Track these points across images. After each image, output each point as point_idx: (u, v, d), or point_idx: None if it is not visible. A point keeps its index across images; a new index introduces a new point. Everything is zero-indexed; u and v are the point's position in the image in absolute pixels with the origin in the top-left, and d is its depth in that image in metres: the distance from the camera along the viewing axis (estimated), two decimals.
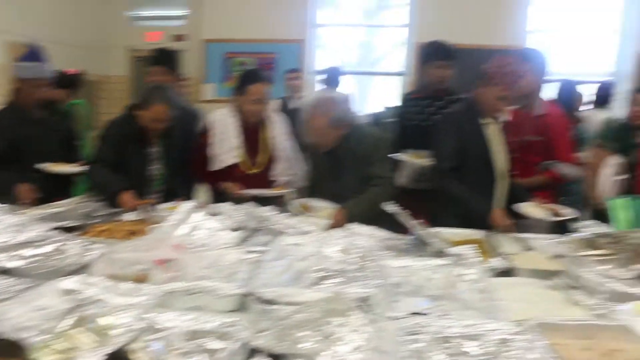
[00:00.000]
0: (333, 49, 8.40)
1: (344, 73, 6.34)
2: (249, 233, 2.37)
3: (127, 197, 2.78)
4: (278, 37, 7.53)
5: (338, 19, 8.33)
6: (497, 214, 2.69)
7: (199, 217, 2.37)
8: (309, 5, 7.64)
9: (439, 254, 2.06)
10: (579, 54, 7.71)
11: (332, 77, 6.10)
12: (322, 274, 1.71)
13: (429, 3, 7.32)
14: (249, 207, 2.53)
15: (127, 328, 1.36)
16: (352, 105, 5.51)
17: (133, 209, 2.73)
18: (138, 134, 3.03)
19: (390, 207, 2.36)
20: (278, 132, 3.24)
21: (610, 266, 1.92)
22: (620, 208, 2.47)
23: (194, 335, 1.37)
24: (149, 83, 3.31)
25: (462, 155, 2.83)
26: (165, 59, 3.61)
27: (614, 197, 2.74)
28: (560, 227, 2.64)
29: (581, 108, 5.38)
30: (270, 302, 1.50)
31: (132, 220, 2.60)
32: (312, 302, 1.37)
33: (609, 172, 3.41)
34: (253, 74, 3.22)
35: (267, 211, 2.49)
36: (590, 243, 2.05)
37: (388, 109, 5.50)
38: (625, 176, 3.39)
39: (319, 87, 5.98)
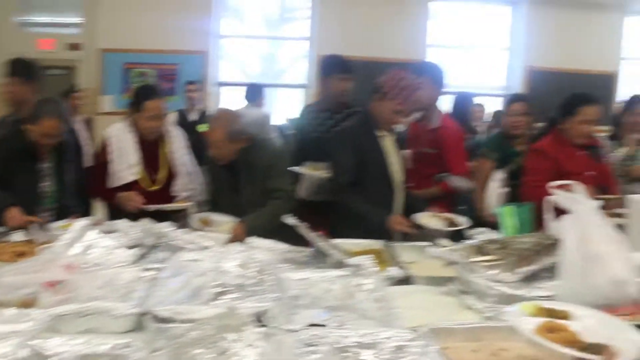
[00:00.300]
0: (236, 61, 8.36)
1: (265, 87, 6.38)
2: (146, 250, 2.31)
3: (13, 214, 2.62)
4: (180, 47, 7.41)
5: (241, 30, 8.31)
6: (395, 219, 2.79)
7: (93, 235, 2.28)
8: (211, 15, 7.57)
9: (338, 265, 2.09)
10: (475, 69, 8.16)
11: (252, 93, 6.14)
12: (220, 289, 1.70)
13: (331, 16, 7.47)
14: (146, 224, 2.46)
15: (8, 358, 1.28)
16: (269, 120, 5.62)
17: (21, 228, 2.58)
18: (27, 149, 2.88)
19: (290, 220, 2.37)
20: (177, 146, 3.19)
21: (498, 271, 2.02)
22: (507, 215, 2.61)
23: (85, 359, 1.31)
24: (2, 95, 3.18)
25: (360, 168, 2.90)
26: (21, 69, 3.45)
27: (502, 205, 2.90)
28: (456, 236, 2.75)
29: (479, 120, 5.68)
30: (166, 320, 1.47)
31: (20, 241, 2.46)
32: (206, 318, 1.35)
33: (495, 185, 3.62)
34: (149, 90, 3.16)
35: (165, 227, 2.44)
36: (480, 249, 2.14)
37: (291, 121, 5.56)
38: (508, 189, 3.60)
39: (241, 102, 6.07)
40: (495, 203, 3.50)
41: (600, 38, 7.79)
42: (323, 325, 1.59)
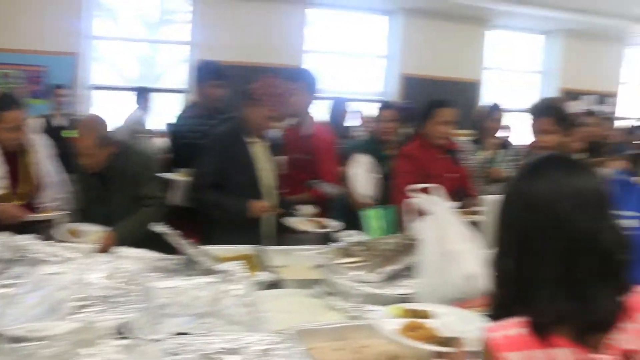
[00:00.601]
0: (112, 63, 8.04)
1: (152, 91, 6.19)
2: (3, 265, 2.16)
3: None
4: (48, 48, 6.97)
5: (117, 31, 8.00)
6: (255, 204, 2.86)
7: None
8: (81, 15, 7.22)
9: (208, 271, 2.09)
10: (353, 75, 8.42)
11: (141, 96, 5.97)
12: (82, 302, 1.65)
13: (211, 21, 7.39)
14: (3, 237, 2.31)
15: None
16: (142, 125, 5.47)
17: None
18: None
19: (159, 228, 2.33)
20: (41, 156, 3.02)
21: (362, 272, 2.12)
22: (373, 217, 2.74)
23: None
24: None
25: (226, 173, 2.91)
26: None
27: (368, 208, 3.03)
28: (327, 239, 2.84)
29: (353, 124, 5.86)
30: (18, 339, 1.40)
31: None
32: (60, 334, 1.31)
33: (358, 170, 3.72)
34: (7, 100, 2.95)
35: (25, 240, 2.29)
36: (346, 251, 2.24)
37: (168, 126, 5.47)
38: (378, 175, 3.73)
39: (131, 106, 5.89)
40: (365, 190, 3.61)
41: (466, 49, 8.39)
42: (189, 333, 1.60)
